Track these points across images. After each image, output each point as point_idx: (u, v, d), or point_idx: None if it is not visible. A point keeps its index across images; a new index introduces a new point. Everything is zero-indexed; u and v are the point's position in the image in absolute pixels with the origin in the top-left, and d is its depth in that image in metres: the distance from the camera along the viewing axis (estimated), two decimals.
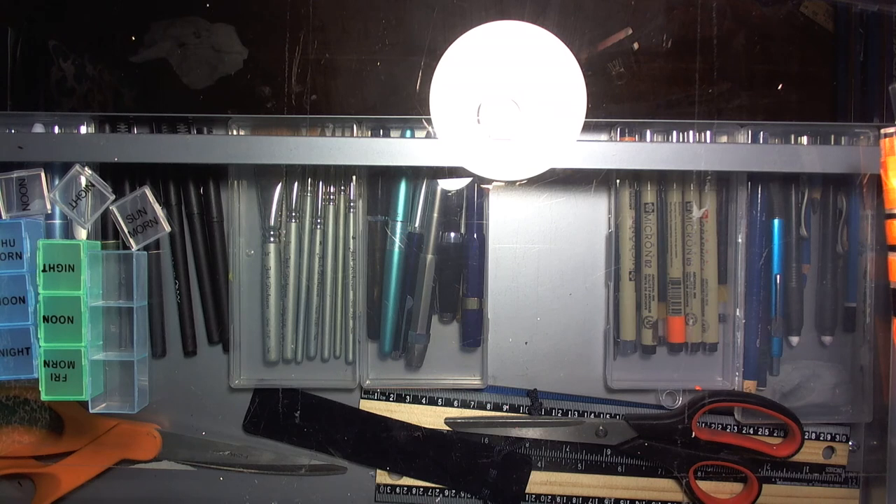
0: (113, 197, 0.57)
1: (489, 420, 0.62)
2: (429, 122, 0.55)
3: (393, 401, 0.62)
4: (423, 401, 0.62)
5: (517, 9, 0.59)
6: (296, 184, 0.59)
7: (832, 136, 0.58)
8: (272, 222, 0.59)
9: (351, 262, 0.60)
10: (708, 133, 0.58)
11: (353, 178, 0.60)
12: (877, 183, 0.54)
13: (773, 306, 0.61)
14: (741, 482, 0.62)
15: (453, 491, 0.62)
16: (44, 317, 0.54)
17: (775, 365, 0.61)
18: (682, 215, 0.60)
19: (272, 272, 0.60)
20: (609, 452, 0.62)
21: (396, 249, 0.60)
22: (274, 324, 0.60)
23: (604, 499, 0.62)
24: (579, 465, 0.62)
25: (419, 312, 0.60)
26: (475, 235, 0.60)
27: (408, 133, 0.59)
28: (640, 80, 0.61)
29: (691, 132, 0.58)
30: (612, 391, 0.62)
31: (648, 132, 0.58)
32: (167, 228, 0.58)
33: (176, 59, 0.60)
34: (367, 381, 0.61)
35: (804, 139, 0.58)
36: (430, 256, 0.60)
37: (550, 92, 0.53)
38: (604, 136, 0.60)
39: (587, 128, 0.56)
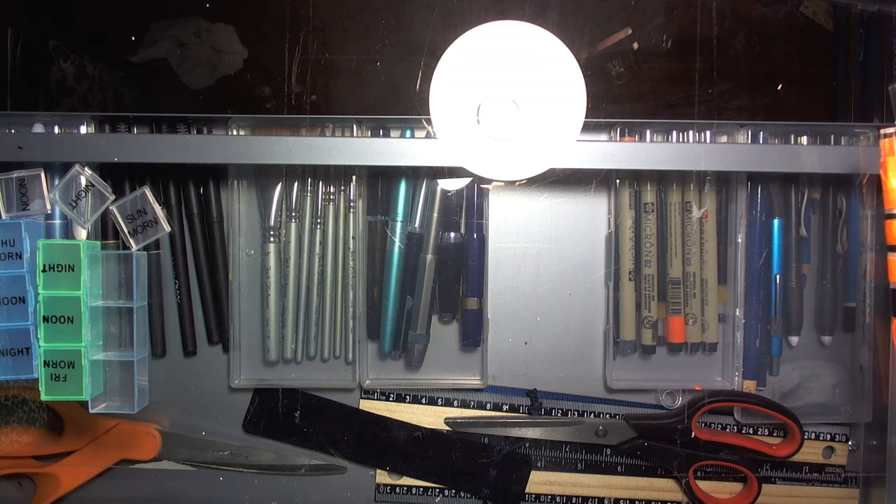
0: (113, 197, 0.57)
1: (489, 420, 0.62)
2: (429, 122, 0.55)
3: (393, 401, 0.62)
4: (423, 401, 0.62)
5: (517, 9, 0.59)
6: (296, 184, 0.59)
7: (832, 136, 0.58)
8: (272, 222, 0.59)
9: (351, 262, 0.60)
10: (708, 133, 0.58)
11: (353, 178, 0.60)
12: (876, 183, 0.54)
13: (773, 306, 0.61)
14: (741, 482, 0.62)
15: (453, 491, 0.62)
16: (44, 317, 0.54)
17: (775, 365, 0.61)
18: (682, 215, 0.60)
19: (272, 272, 0.60)
20: (609, 452, 0.62)
21: (396, 249, 0.60)
22: (274, 324, 0.60)
23: (603, 499, 0.62)
24: (579, 465, 0.62)
25: (419, 312, 0.60)
26: (475, 235, 0.60)
27: (408, 133, 0.59)
28: (640, 80, 0.61)
29: (691, 132, 0.58)
30: (612, 391, 0.62)
31: (648, 132, 0.58)
32: (167, 228, 0.58)
33: (176, 59, 0.60)
34: (367, 381, 0.61)
35: (804, 139, 0.58)
36: (430, 256, 0.60)
37: (550, 92, 0.53)
38: (604, 136, 0.60)
39: (587, 128, 0.56)
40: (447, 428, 0.62)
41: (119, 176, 0.59)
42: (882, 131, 0.48)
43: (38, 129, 0.56)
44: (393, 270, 0.60)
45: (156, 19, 0.60)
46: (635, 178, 0.60)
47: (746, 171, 0.57)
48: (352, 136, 0.58)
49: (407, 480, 0.62)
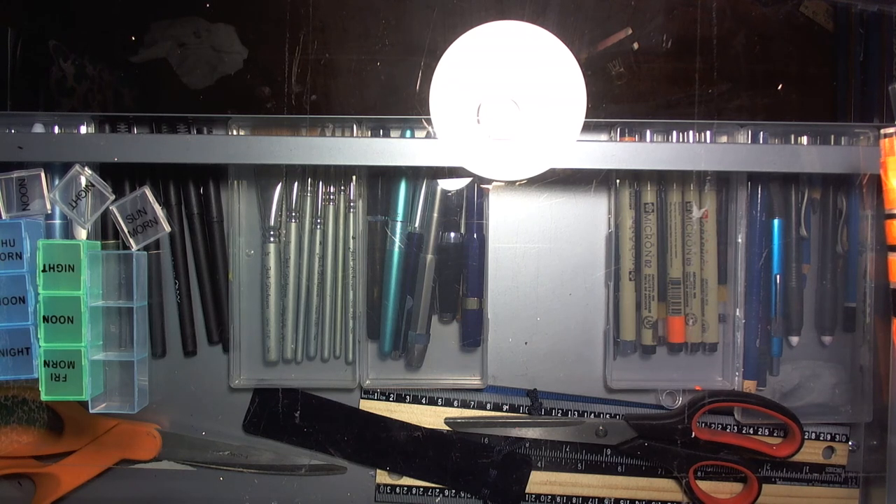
0: (113, 197, 0.57)
1: (489, 420, 0.62)
2: (429, 122, 0.55)
3: (393, 401, 0.62)
4: (423, 401, 0.62)
5: (517, 9, 0.59)
6: (296, 184, 0.59)
7: (832, 136, 0.58)
8: (272, 222, 0.59)
9: (351, 262, 0.60)
10: (708, 133, 0.58)
11: (353, 178, 0.60)
12: (877, 183, 0.54)
13: (773, 306, 0.61)
14: (741, 482, 0.62)
15: (453, 491, 0.62)
16: (44, 317, 0.54)
17: (775, 365, 0.61)
18: (682, 215, 0.60)
19: (272, 272, 0.60)
20: (609, 452, 0.62)
21: (396, 249, 0.60)
22: (274, 324, 0.60)
23: (604, 499, 0.62)
24: (579, 465, 0.62)
25: (419, 312, 0.60)
26: (475, 235, 0.60)
27: (408, 133, 0.59)
28: (640, 80, 0.61)
29: (691, 132, 0.58)
30: (612, 391, 0.62)
31: (648, 132, 0.58)
32: (167, 228, 0.58)
33: (176, 59, 0.60)
34: (367, 381, 0.61)
35: (804, 139, 0.58)
36: (430, 256, 0.60)
37: (550, 92, 0.53)
38: (604, 136, 0.60)
39: (587, 128, 0.56)
40: (447, 428, 0.62)
41: (119, 176, 0.59)
42: (882, 131, 0.49)
43: (38, 129, 0.56)
44: (393, 270, 0.60)
45: (156, 19, 0.60)
46: (635, 178, 0.60)
47: (746, 171, 0.57)
48: (352, 136, 0.58)
49: (407, 480, 0.62)
